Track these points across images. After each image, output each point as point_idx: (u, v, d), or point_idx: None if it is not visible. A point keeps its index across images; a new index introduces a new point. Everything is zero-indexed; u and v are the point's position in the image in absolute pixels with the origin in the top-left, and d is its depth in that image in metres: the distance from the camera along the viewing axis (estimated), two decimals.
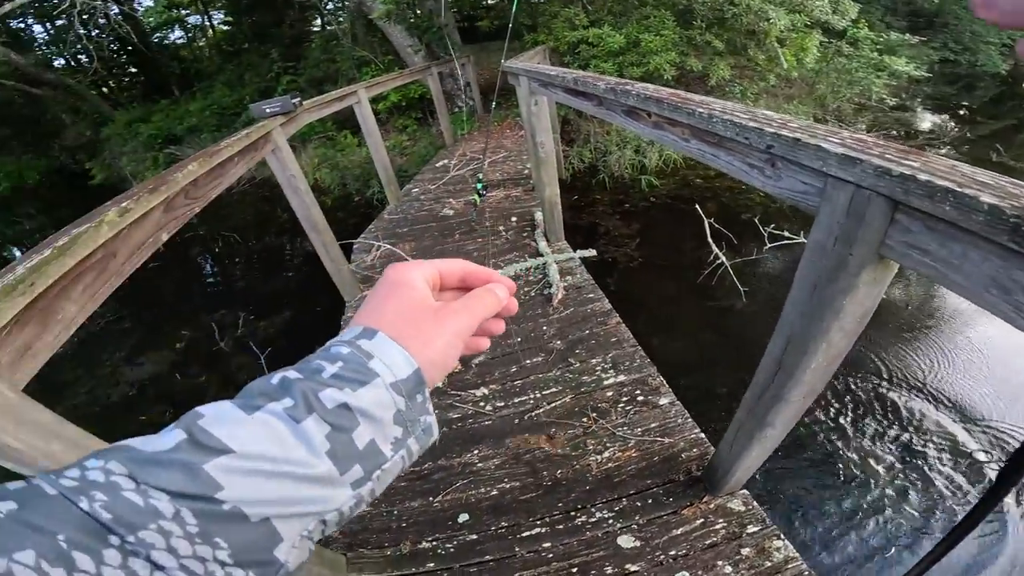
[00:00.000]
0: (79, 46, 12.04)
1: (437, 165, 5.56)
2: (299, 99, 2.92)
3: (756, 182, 0.92)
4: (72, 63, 13.08)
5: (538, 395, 2.06)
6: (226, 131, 9.10)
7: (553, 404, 1.99)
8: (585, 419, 1.89)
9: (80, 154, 11.95)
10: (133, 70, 13.62)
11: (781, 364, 0.95)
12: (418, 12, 7.29)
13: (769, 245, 3.63)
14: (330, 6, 11.36)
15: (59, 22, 12.17)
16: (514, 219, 3.86)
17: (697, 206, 3.93)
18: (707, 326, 3.19)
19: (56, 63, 12.82)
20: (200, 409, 0.27)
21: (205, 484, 0.24)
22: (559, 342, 2.33)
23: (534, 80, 2.70)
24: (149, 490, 0.23)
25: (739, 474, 1.39)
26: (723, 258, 3.51)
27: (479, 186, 3.83)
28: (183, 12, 13.34)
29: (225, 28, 13.91)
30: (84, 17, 8.43)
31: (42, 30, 12.86)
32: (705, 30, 5.73)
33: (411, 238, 3.81)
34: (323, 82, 9.21)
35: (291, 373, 0.28)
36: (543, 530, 1.55)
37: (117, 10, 10.39)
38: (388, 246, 3.52)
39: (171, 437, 0.25)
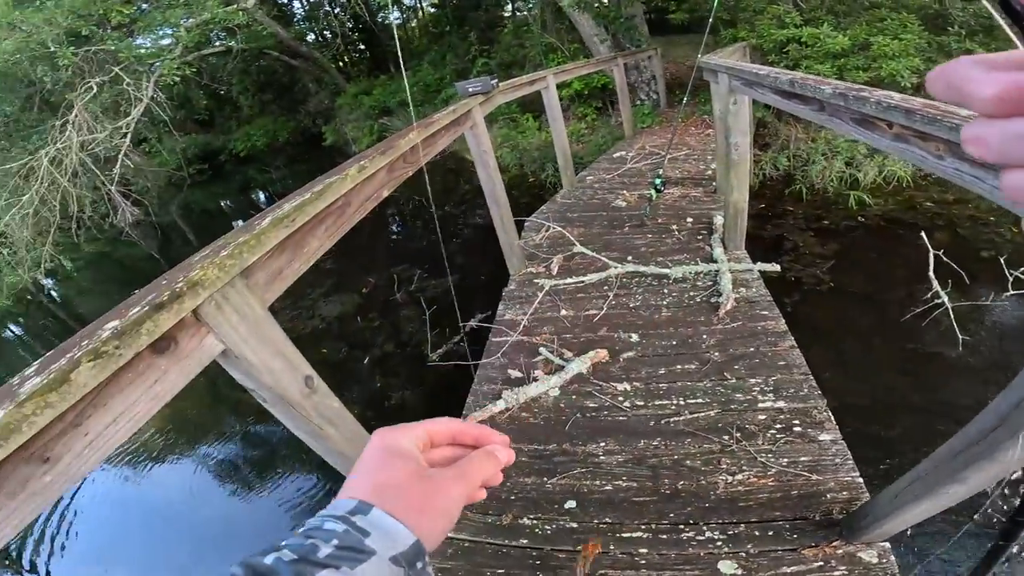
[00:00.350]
0: (325, 22, 14.50)
1: (614, 156, 5.57)
2: (496, 81, 3.13)
3: None
4: (320, 38, 15.52)
5: (681, 402, 2.00)
6: (428, 107, 10.13)
7: (696, 415, 1.92)
8: (727, 437, 1.80)
9: (319, 119, 14.40)
10: (362, 47, 15.75)
11: (1005, 421, 0.85)
12: (606, 1, 7.22)
13: (1012, 292, 2.95)
14: None
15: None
16: (689, 220, 3.73)
17: (923, 234, 3.33)
18: (901, 370, 2.75)
19: (308, 38, 15.21)
20: None
21: None
22: (717, 354, 2.23)
23: (736, 78, 2.57)
24: None
25: (890, 525, 1.25)
26: (944, 297, 2.95)
27: (658, 181, 3.75)
28: None
29: (432, 11, 15.27)
30: None
31: (299, 6, 15.33)
32: (964, 38, 4.86)
33: (580, 224, 3.92)
34: (511, 66, 9.66)
35: (285, 554, 0.27)
36: (645, 535, 1.52)
37: None
38: (559, 228, 3.67)
39: None
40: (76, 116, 5.63)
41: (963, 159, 0.96)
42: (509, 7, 13.22)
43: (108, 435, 0.72)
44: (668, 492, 1.65)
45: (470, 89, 2.90)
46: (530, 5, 9.39)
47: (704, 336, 2.36)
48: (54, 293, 10.02)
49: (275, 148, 15.16)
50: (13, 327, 9.21)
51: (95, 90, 5.80)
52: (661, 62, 7.36)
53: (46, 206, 6.12)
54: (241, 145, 15.18)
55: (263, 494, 3.09)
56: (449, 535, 1.59)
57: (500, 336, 2.63)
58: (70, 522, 3.64)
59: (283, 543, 0.28)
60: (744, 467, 1.68)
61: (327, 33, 15.30)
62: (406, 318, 4.36)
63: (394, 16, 15.96)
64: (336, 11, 13.33)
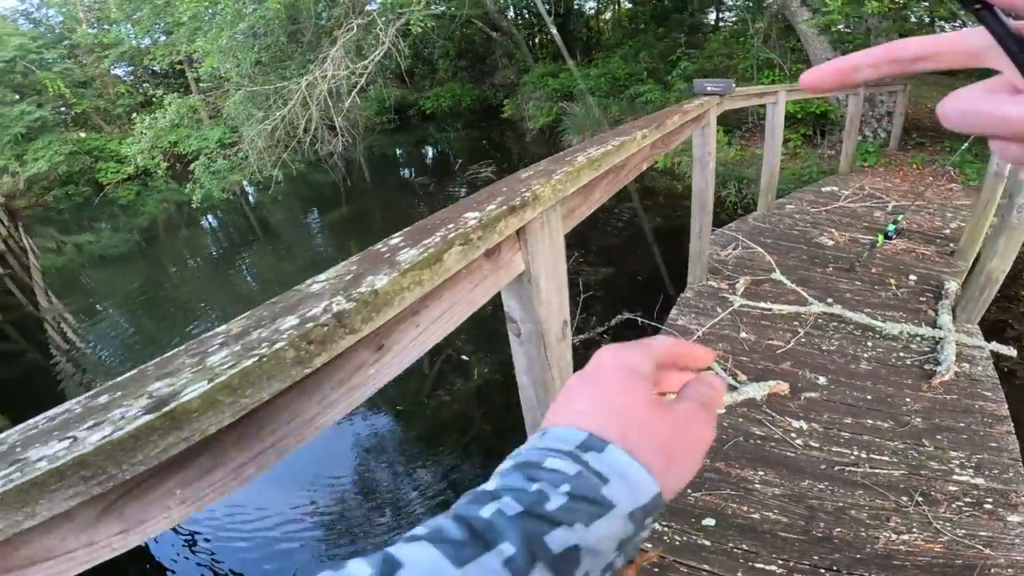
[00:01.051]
0: (525, 2, 15.00)
1: (823, 189, 4.96)
2: (734, 85, 2.95)
3: None
4: (519, 16, 16.13)
5: (863, 455, 1.92)
6: (612, 100, 10.05)
7: (877, 470, 1.84)
8: (905, 498, 1.73)
9: (501, 92, 15.09)
10: (553, 31, 16.16)
11: None
12: (845, 29, 6.37)
13: None
14: (736, 1, 11.12)
15: None
16: (912, 278, 3.24)
17: None
18: None
19: (508, 15, 15.80)
20: (398, 555, 0.21)
21: None
22: (919, 420, 2.09)
23: None
24: None
25: None
26: None
27: (891, 228, 3.29)
28: None
29: (629, 6, 15.02)
30: None
31: None
32: None
33: (774, 252, 3.56)
34: (710, 74, 9.20)
35: (507, 505, 0.22)
36: (780, 571, 1.47)
37: None
38: (759, 249, 3.38)
39: None
40: (336, 51, 6.51)
41: None
42: (713, 15, 12.84)
43: (433, 331, 0.70)
44: (820, 535, 1.60)
45: (708, 88, 2.75)
46: (751, 16, 8.67)
47: (908, 399, 2.21)
48: (251, 197, 11.94)
49: (456, 111, 16.19)
50: (211, 217, 11.17)
51: (354, 30, 6.64)
52: (905, 99, 6.33)
53: (284, 126, 7.21)
54: (429, 104, 16.41)
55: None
56: None
57: None
58: None
59: (501, 486, 0.23)
60: (914, 529, 1.63)
61: (525, 12, 15.92)
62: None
63: (590, 6, 16.02)
64: None
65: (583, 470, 0.23)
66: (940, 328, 2.63)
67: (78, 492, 0.37)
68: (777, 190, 5.39)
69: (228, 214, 10.98)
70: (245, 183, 9.65)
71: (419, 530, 0.22)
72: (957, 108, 0.21)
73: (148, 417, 0.39)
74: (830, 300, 2.91)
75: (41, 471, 0.36)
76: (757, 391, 2.19)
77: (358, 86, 6.94)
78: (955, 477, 1.82)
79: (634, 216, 6.23)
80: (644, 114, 9.15)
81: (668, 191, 7.19)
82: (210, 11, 7.66)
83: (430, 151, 14.29)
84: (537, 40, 16.17)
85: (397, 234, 0.67)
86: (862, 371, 2.38)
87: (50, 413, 0.42)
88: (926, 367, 2.39)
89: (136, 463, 0.39)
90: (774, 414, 2.09)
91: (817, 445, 1.95)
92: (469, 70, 16.69)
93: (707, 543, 1.57)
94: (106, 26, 16.53)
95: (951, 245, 3.61)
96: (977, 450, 1.94)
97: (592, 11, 16.38)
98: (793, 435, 2.00)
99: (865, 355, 2.49)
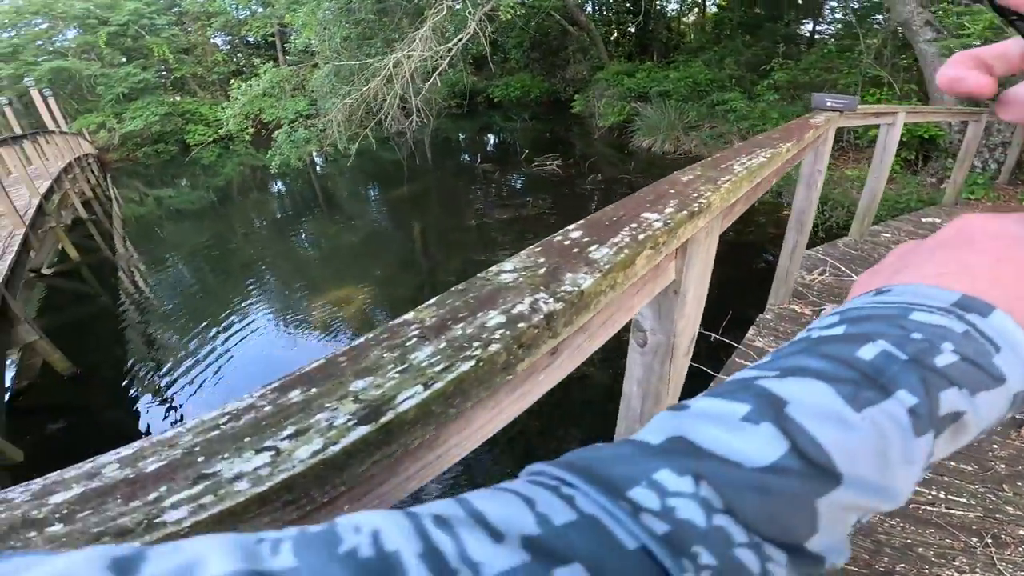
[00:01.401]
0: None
1: (923, 219, 4.56)
2: (857, 101, 2.73)
3: None
4: (597, 12, 15.90)
5: (941, 495, 1.89)
6: (692, 103, 9.68)
7: (952, 511, 1.83)
8: (975, 539, 1.72)
9: (571, 87, 14.92)
10: (631, 30, 15.60)
11: None
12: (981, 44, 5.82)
13: None
14: (843, 15, 10.60)
15: None
16: None
17: None
18: None
19: (587, 9, 15.64)
20: (777, 391, 0.18)
21: (804, 528, 0.16)
22: (1003, 465, 2.05)
23: None
24: (765, 547, 0.15)
25: None
26: None
27: None
28: None
29: (715, 11, 14.48)
30: None
31: None
32: None
33: None
34: (799, 88, 8.72)
35: (887, 345, 0.19)
36: None
37: None
38: (849, 275, 3.13)
39: (764, 437, 0.17)
40: (425, 31, 6.57)
41: None
42: (810, 26, 12.28)
43: (598, 337, 0.63)
44: (883, 570, 1.60)
45: (829, 103, 2.53)
46: (862, 31, 8.10)
47: (994, 446, 2.17)
48: (319, 168, 12.34)
49: (524, 102, 16.15)
50: (280, 183, 11.61)
51: (444, 12, 6.68)
52: None
53: (364, 103, 7.37)
54: (498, 92, 16.44)
55: None
56: None
57: (744, 359, 2.55)
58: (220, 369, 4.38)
59: (869, 330, 0.20)
60: (977, 569, 1.62)
61: (604, 9, 15.67)
62: None
63: (672, 7, 15.57)
64: None
65: (970, 330, 0.19)
66: None
67: (273, 520, 0.30)
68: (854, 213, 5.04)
69: (296, 181, 11.41)
70: (314, 154, 9.96)
71: (786, 362, 0.20)
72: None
73: (364, 429, 0.32)
74: None
75: (243, 496, 0.28)
76: None
77: (439, 68, 6.96)
78: None
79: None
80: (725, 122, 8.85)
81: (749, 211, 6.87)
82: None
83: (493, 139, 14.29)
84: (613, 37, 15.92)
85: (574, 226, 0.59)
86: None
87: (230, 408, 0.35)
88: (1017, 416, 2.29)
89: (338, 484, 0.32)
90: None
91: None
92: (541, 62, 16.58)
93: None
94: None
95: None
96: None
97: (674, 13, 15.98)
98: None
99: None
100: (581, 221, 0.60)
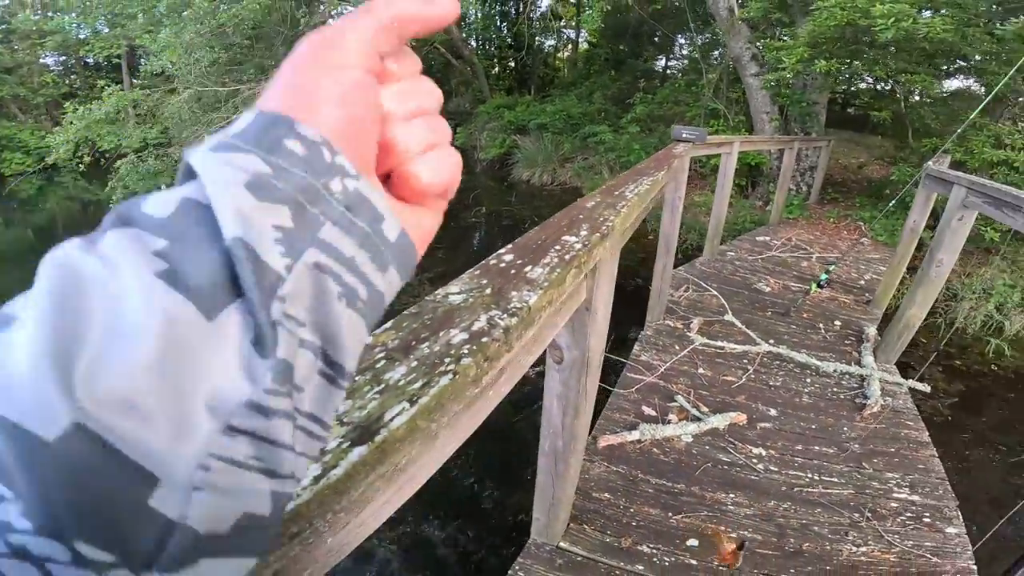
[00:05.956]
0: (490, 32, 14.93)
1: (757, 239, 5.43)
2: (706, 134, 3.22)
3: None
4: (480, 46, 16.20)
5: (816, 477, 2.14)
6: (567, 136, 10.37)
7: (829, 490, 2.07)
8: (857, 515, 1.94)
9: (454, 120, 14.90)
10: (512, 64, 16.34)
11: None
12: (791, 83, 7.07)
13: None
14: (690, 52, 11.59)
15: (487, 9, 15.06)
16: (837, 323, 3.64)
17: None
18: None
19: (471, 43, 15.78)
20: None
21: None
22: (857, 446, 2.35)
23: (978, 195, 2.49)
24: None
25: None
26: None
27: (823, 278, 3.69)
28: (560, 23, 15.43)
29: (587, 47, 15.57)
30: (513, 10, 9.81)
31: (473, 13, 15.66)
32: None
33: (721, 296, 3.83)
34: (655, 121, 9.59)
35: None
36: None
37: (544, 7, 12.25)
38: (716, 294, 3.62)
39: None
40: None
41: None
42: (662, 62, 13.50)
43: (534, 353, 0.71)
44: (792, 551, 1.77)
45: (684, 135, 2.97)
46: (704, 67, 9.19)
47: (845, 428, 2.48)
48: None
49: None
50: None
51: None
52: (827, 154, 7.11)
53: None
54: None
55: None
56: (562, 546, 1.65)
57: (635, 373, 2.74)
58: None
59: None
60: (870, 542, 1.83)
61: (487, 44, 16.15)
62: None
63: (549, 43, 16.51)
64: (503, 25, 14.04)
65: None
66: (865, 367, 2.96)
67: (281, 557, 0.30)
68: (702, 235, 5.82)
69: None
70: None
71: None
72: None
73: (360, 451, 0.33)
74: (772, 341, 3.18)
75: None
76: (721, 421, 2.40)
77: None
78: (895, 495, 2.07)
79: None
80: (596, 153, 9.59)
81: None
82: (183, 5, 7.20)
83: None
84: (495, 71, 16.44)
85: (505, 250, 0.66)
86: (805, 404, 2.67)
87: None
88: (857, 400, 2.70)
89: (338, 511, 0.33)
90: (736, 442, 2.29)
91: (776, 469, 2.16)
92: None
93: (693, 562, 1.68)
94: (50, 13, 15.16)
95: (867, 295, 4.10)
96: (908, 471, 2.22)
97: (551, 48, 16.95)
98: (755, 460, 2.20)
99: (806, 390, 2.79)
100: (510, 245, 0.67)
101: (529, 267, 0.61)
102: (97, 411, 0.13)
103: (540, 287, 0.56)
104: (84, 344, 0.14)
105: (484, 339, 0.45)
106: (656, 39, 11.59)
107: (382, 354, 0.44)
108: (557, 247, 0.68)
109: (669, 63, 13.53)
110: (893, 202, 3.69)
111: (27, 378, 0.13)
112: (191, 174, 0.17)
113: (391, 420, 0.36)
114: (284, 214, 0.17)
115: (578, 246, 0.69)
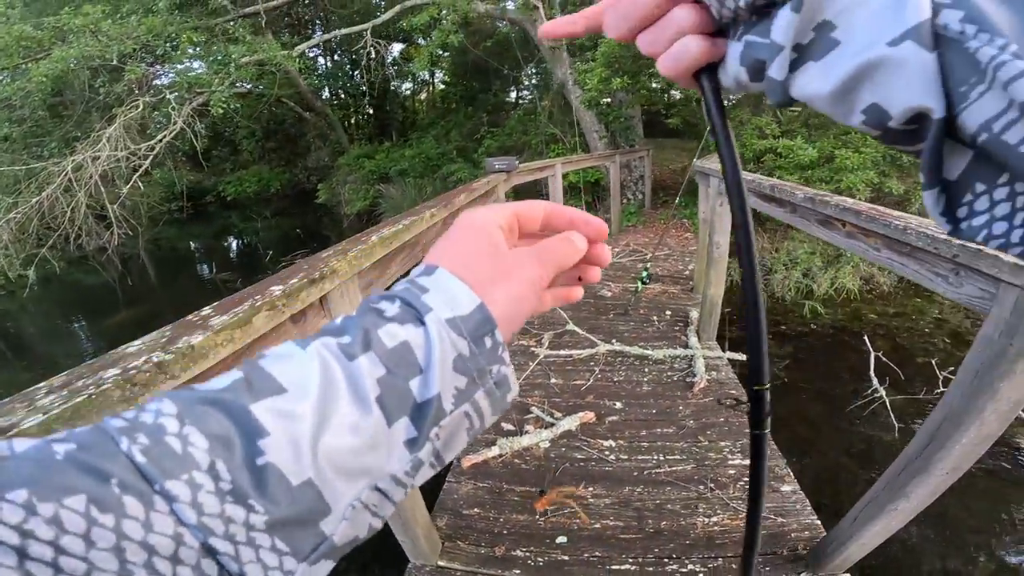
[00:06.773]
0: (343, 81, 14.26)
1: None
2: (518, 162, 3.52)
3: (939, 288, 1.12)
4: (334, 96, 15.54)
5: (661, 457, 2.29)
6: (427, 178, 10.42)
7: (674, 468, 2.21)
8: (702, 487, 2.07)
9: (315, 175, 14.43)
10: (370, 111, 15.96)
11: (934, 437, 1.09)
12: (608, 101, 7.69)
13: (942, 389, 3.40)
14: (531, 82, 11.97)
15: (336, 58, 14.61)
16: (668, 313, 4.06)
17: (866, 338, 3.84)
18: (846, 452, 3.12)
19: (323, 94, 15.10)
20: (267, 349, 0.24)
21: (248, 429, 0.21)
22: (692, 422, 2.55)
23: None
24: (190, 434, 0.20)
25: (852, 550, 1.45)
26: (882, 391, 3.38)
27: (645, 275, 4.07)
28: (414, 67, 15.62)
29: (442, 87, 15.56)
30: (364, 58, 9.94)
31: (322, 63, 15.11)
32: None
33: (569, 307, 4.17)
34: (511, 150, 9.83)
35: (355, 313, 0.27)
36: (633, 567, 1.71)
37: (397, 52, 12.16)
38: (557, 308, 3.93)
39: (229, 377, 0.23)
40: (115, 131, 5.71)
41: (894, 250, 1.28)
42: (514, 94, 13.95)
43: None
44: (652, 531, 1.86)
45: (496, 166, 3.24)
46: (538, 95, 9.71)
47: (680, 407, 2.69)
48: None
49: (264, 197, 14.89)
50: None
51: (140, 107, 5.97)
52: (651, 163, 7.86)
53: (38, 216, 5.97)
54: (232, 189, 14.92)
55: None
56: (441, 564, 1.72)
57: None
58: None
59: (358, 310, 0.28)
60: (718, 511, 1.94)
61: (341, 93, 15.48)
62: None
63: (406, 87, 16.37)
64: (355, 73, 13.64)
65: (410, 286, 0.28)
66: (690, 348, 3.28)
67: None
68: None
69: None
70: None
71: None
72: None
73: None
74: (614, 340, 3.43)
75: None
76: (571, 423, 2.55)
77: (141, 169, 6.19)
78: (730, 462, 2.22)
79: None
80: None
81: None
82: None
83: (234, 243, 12.56)
84: (353, 120, 15.99)
85: (207, 308, 0.78)
86: (645, 392, 2.89)
87: None
88: (687, 380, 2.95)
89: None
90: (588, 439, 2.45)
91: (626, 457, 2.31)
92: (278, 152, 15.76)
93: (566, 558, 1.76)
94: None
95: (690, 283, 4.59)
96: (737, 438, 2.39)
97: (408, 92, 16.82)
98: (607, 452, 2.35)
99: (645, 379, 3.03)
100: (215, 304, 0.80)
101: (217, 316, 0.74)
102: (322, 472, 0.22)
103: (213, 330, 0.69)
104: (328, 428, 0.22)
105: (132, 371, 0.57)
106: (505, 71, 11.99)
107: (45, 390, 0.55)
108: (257, 296, 0.83)
109: (521, 94, 13.69)
110: (679, 198, 4.34)
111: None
112: (416, 307, 0.26)
113: (26, 424, 0.47)
114: (462, 382, 0.26)
115: (278, 292, 0.85)
